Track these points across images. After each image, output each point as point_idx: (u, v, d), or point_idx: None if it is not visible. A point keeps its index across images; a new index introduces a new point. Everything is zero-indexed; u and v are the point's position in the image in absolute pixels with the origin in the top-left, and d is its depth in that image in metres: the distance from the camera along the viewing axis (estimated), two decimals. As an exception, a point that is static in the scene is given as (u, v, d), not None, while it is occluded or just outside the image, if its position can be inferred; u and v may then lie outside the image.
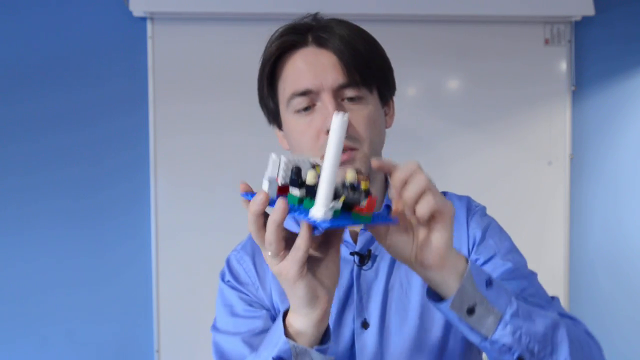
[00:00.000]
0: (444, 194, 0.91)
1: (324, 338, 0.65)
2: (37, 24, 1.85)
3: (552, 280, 1.96)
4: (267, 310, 0.84)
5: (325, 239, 0.62)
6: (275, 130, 0.87)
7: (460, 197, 0.90)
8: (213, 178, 1.86)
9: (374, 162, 0.59)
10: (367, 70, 0.77)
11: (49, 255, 1.87)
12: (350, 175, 0.55)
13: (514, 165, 1.94)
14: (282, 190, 0.58)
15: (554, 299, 0.80)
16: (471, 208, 0.87)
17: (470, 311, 0.61)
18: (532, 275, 0.82)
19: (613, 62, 1.99)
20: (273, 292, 0.84)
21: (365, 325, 0.80)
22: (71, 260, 1.87)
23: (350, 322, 0.80)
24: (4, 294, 1.87)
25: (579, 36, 1.96)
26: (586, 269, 1.99)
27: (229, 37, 1.86)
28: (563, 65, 1.94)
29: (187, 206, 1.85)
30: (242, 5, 1.82)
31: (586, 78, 1.97)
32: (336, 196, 0.54)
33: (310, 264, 0.60)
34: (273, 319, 0.83)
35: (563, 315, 0.73)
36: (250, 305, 0.84)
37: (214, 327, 0.85)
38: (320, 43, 0.77)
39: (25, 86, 1.85)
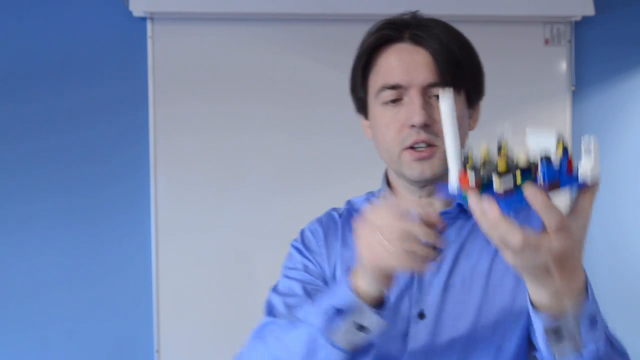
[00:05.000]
0: None
1: (381, 304, 0.67)
2: (37, 24, 1.85)
3: (552, 280, 1.96)
4: (324, 281, 0.85)
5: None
6: (362, 119, 0.90)
7: None
8: (213, 178, 1.86)
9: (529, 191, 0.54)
10: (459, 72, 0.79)
11: (49, 255, 1.87)
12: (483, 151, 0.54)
13: (514, 165, 1.94)
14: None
15: None
16: None
17: (559, 335, 0.63)
18: None
19: (613, 62, 1.98)
20: (337, 268, 0.86)
21: (421, 315, 0.80)
22: (71, 260, 1.87)
23: (406, 310, 0.80)
24: (4, 293, 1.87)
25: (579, 36, 1.96)
26: (585, 269, 1.99)
27: (229, 37, 1.86)
28: (563, 65, 1.94)
29: (187, 206, 1.85)
30: (242, 5, 1.82)
31: (586, 78, 1.97)
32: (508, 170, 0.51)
33: None
34: None
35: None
36: (310, 273, 0.86)
37: (273, 288, 0.86)
38: (417, 41, 0.80)
39: (25, 86, 1.85)
